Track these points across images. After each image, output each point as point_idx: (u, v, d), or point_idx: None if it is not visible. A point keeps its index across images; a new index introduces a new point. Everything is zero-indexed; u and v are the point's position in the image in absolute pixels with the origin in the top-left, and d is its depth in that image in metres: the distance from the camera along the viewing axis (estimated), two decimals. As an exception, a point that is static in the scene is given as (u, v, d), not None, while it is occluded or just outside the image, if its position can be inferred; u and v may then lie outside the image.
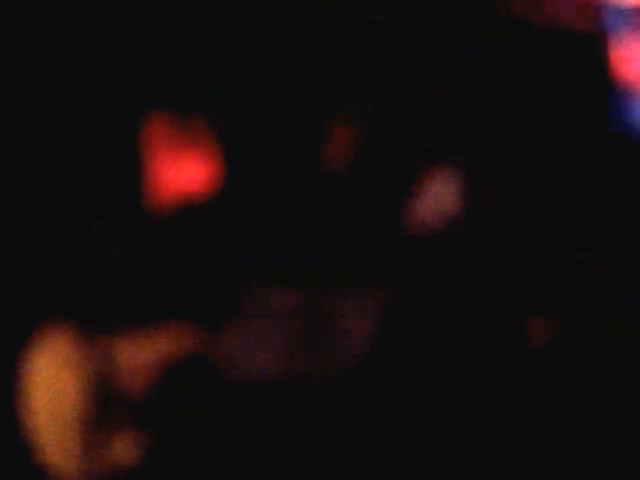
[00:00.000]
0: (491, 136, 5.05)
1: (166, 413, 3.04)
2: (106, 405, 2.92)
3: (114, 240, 4.00)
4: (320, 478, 2.83)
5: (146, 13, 4.31)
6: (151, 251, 3.35)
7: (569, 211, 4.99)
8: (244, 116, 4.66)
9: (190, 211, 3.33)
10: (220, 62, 4.59)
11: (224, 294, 2.61)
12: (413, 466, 3.49)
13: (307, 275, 2.74)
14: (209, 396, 2.74)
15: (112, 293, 3.12)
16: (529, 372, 4.05)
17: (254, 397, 3.03)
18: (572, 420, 3.85)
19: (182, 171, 4.66)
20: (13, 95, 4.04)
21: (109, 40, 4.31)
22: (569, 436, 3.79)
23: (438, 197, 3.67)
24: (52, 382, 3.02)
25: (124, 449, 2.98)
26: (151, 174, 4.54)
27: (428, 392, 3.74)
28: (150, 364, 3.07)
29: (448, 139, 3.91)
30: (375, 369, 3.02)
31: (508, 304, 4.59)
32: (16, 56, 4.01)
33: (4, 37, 3.81)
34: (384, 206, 3.82)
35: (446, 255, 4.12)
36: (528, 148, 5.09)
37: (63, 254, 3.83)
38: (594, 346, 3.96)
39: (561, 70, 5.13)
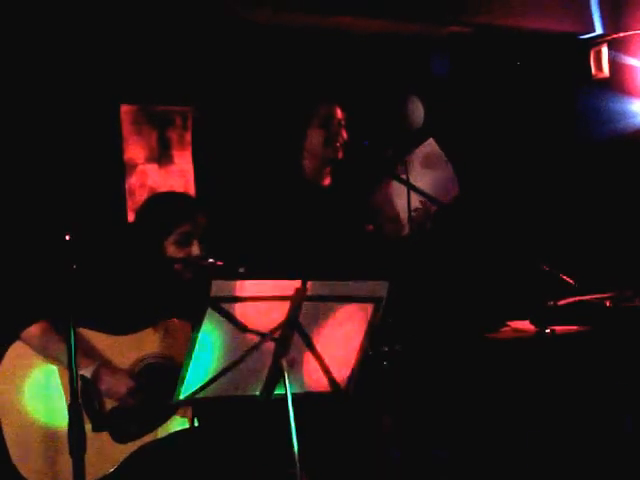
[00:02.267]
0: (469, 142, 5.08)
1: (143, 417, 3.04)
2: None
3: (93, 242, 3.98)
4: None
5: (130, 17, 4.30)
6: (133, 253, 3.32)
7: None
8: (228, 119, 4.67)
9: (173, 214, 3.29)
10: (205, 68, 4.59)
11: (205, 299, 2.59)
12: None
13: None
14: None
15: (89, 297, 3.09)
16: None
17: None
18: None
19: (164, 174, 4.67)
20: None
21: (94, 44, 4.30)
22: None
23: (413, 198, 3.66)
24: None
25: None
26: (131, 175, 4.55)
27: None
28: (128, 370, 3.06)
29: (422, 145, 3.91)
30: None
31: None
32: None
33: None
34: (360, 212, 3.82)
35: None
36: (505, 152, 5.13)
37: (41, 259, 3.81)
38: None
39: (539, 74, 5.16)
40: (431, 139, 3.79)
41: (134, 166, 4.56)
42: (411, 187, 3.53)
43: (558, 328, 3.93)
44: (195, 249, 3.13)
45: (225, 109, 4.68)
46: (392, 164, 3.66)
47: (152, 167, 4.60)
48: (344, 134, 3.66)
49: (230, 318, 2.64)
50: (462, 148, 4.91)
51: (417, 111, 4.98)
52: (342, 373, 2.87)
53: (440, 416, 3.93)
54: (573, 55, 5.14)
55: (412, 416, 3.62)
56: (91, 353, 3.00)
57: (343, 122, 3.66)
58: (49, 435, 2.94)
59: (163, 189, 4.56)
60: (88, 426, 2.91)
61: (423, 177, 3.63)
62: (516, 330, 4.10)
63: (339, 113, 3.65)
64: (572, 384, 3.99)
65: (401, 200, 3.66)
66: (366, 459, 3.48)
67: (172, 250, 3.13)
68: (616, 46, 5.05)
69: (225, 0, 4.28)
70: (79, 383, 2.58)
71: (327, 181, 3.72)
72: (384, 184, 3.78)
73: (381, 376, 3.45)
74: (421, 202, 3.63)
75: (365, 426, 3.47)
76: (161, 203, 3.27)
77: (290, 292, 2.68)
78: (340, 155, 3.66)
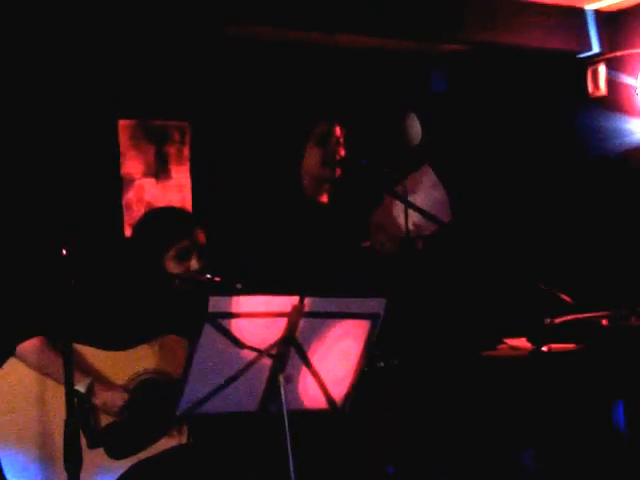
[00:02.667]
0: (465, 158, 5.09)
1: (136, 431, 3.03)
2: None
3: (90, 257, 3.98)
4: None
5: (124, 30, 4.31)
6: (130, 267, 3.32)
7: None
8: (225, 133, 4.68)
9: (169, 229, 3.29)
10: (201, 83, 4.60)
11: (203, 315, 2.59)
12: None
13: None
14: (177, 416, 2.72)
15: (86, 313, 3.09)
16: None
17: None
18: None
19: (161, 188, 4.67)
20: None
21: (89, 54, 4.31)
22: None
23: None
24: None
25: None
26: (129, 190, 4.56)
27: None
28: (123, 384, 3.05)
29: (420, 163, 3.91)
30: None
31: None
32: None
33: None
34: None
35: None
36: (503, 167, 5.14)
37: (38, 274, 3.81)
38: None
39: (535, 91, 5.18)
40: (426, 165, 3.78)
41: (131, 180, 4.56)
42: (410, 205, 3.53)
43: (554, 346, 3.93)
44: (194, 264, 3.13)
45: (223, 124, 4.69)
46: (391, 181, 3.66)
47: (149, 182, 4.61)
48: (342, 152, 3.65)
49: (227, 334, 2.63)
50: (460, 164, 4.94)
51: (415, 128, 4.99)
52: (339, 390, 2.87)
53: (437, 433, 3.92)
54: (571, 73, 5.16)
55: (409, 432, 3.61)
56: (86, 368, 3.00)
57: (341, 140, 3.65)
58: (45, 452, 2.93)
59: (160, 204, 4.56)
60: (83, 442, 2.91)
61: (416, 202, 3.62)
62: (513, 347, 4.10)
63: (337, 131, 3.64)
64: (568, 402, 3.99)
65: (402, 220, 3.66)
66: (362, 476, 3.47)
67: (171, 265, 3.13)
68: (613, 65, 5.07)
69: (226, 16, 4.28)
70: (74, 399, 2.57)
71: (325, 198, 3.72)
72: (386, 202, 3.78)
73: (377, 392, 3.45)
74: (414, 224, 3.63)
75: (361, 443, 3.46)
76: (159, 218, 3.26)
77: (287, 308, 2.68)
78: (338, 173, 3.64)
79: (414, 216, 3.61)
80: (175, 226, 3.18)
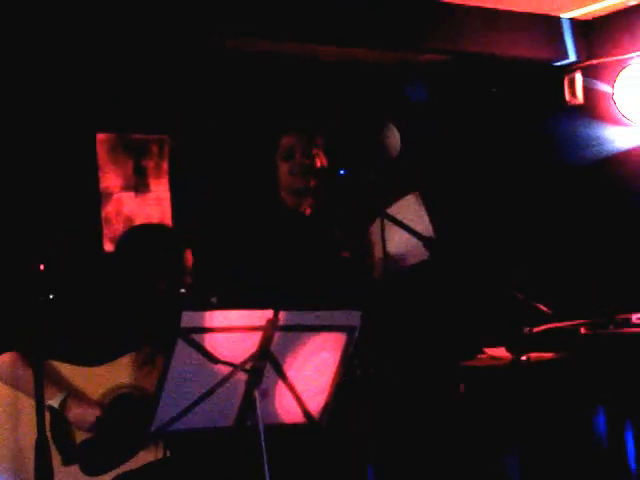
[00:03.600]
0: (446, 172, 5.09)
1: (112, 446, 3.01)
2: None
3: (70, 271, 3.96)
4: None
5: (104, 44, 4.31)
6: (107, 282, 3.31)
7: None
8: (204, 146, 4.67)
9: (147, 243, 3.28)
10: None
11: (175, 330, 2.58)
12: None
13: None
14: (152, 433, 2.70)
15: (62, 328, 3.08)
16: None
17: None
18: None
19: (140, 203, 4.66)
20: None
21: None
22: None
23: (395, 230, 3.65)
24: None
25: None
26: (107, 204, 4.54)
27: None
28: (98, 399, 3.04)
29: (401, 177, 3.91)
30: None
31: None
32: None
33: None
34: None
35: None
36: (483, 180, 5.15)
37: (14, 289, 3.79)
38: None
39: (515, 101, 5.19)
40: (415, 194, 3.75)
41: (110, 194, 4.55)
42: (402, 226, 3.51)
43: (534, 355, 3.94)
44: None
45: (202, 137, 4.69)
46: (377, 196, 3.65)
47: (128, 195, 4.60)
48: (317, 162, 3.63)
49: (201, 349, 2.62)
50: (439, 175, 4.95)
51: (393, 139, 4.99)
52: (316, 404, 2.86)
53: (416, 442, 3.91)
54: (548, 82, 5.18)
55: (387, 443, 3.61)
56: (61, 384, 2.98)
57: (314, 150, 3.63)
58: (18, 468, 2.91)
59: (140, 217, 4.56)
60: (58, 459, 2.90)
61: (397, 232, 3.60)
62: (492, 357, 4.10)
63: (303, 142, 3.62)
64: (549, 410, 3.99)
65: (388, 243, 3.63)
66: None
67: (161, 286, 3.14)
68: (590, 73, 5.09)
69: (203, 29, 4.28)
70: (47, 415, 2.56)
71: (308, 210, 3.70)
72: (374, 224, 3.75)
73: (355, 404, 3.44)
74: (397, 255, 3.61)
75: (338, 456, 3.45)
76: (147, 242, 3.24)
77: (262, 322, 2.67)
78: (312, 184, 3.62)
79: (399, 246, 3.60)
80: (165, 248, 3.18)
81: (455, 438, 4.09)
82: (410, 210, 3.68)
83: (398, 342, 3.96)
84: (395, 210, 3.65)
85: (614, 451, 3.95)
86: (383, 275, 3.66)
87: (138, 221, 4.53)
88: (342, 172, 3.68)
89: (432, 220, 3.69)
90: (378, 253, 3.67)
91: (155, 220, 4.57)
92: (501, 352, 4.06)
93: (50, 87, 4.32)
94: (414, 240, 3.56)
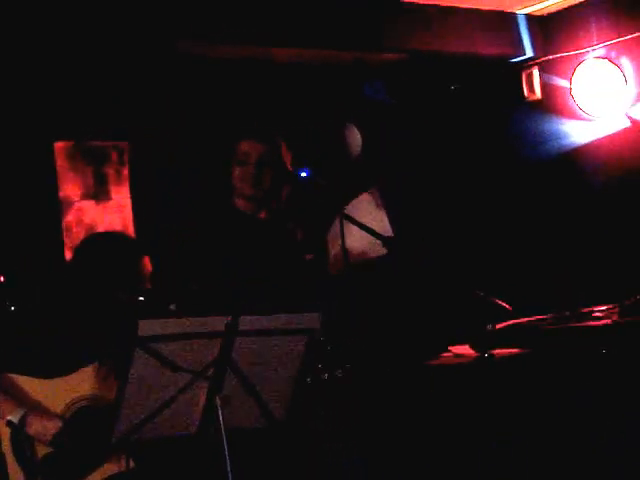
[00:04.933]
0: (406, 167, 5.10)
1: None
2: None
3: (30, 282, 3.93)
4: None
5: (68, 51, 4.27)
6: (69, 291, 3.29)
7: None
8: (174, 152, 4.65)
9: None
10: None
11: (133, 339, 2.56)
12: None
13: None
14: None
15: (20, 340, 3.05)
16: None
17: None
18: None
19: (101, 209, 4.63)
20: None
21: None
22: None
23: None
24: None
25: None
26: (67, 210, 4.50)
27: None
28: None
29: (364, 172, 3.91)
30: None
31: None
32: None
33: None
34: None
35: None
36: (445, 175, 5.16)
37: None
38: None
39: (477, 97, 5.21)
40: (374, 189, 3.77)
41: (70, 203, 4.51)
42: (361, 227, 3.53)
43: (498, 351, 3.95)
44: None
45: (161, 143, 4.66)
46: (335, 197, 3.65)
47: (89, 203, 4.56)
48: (272, 169, 3.61)
49: (159, 357, 2.60)
50: (398, 172, 4.95)
51: (354, 139, 5.00)
52: (278, 407, 2.85)
53: (381, 443, 3.91)
54: (505, 78, 5.20)
55: (353, 444, 3.61)
56: (21, 398, 2.95)
57: (268, 158, 3.60)
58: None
59: (101, 225, 4.52)
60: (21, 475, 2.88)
61: (355, 230, 3.61)
62: (457, 355, 4.11)
63: (259, 150, 3.60)
64: (514, 407, 4.00)
65: (348, 239, 3.64)
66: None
67: (117, 294, 3.12)
68: (547, 68, 5.12)
69: (161, 34, 4.26)
70: (6, 430, 2.53)
71: (263, 214, 3.68)
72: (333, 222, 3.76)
73: (321, 404, 3.44)
74: (358, 250, 3.63)
75: (303, 458, 3.44)
76: (104, 248, 3.22)
77: (221, 328, 2.65)
78: (261, 194, 3.60)
79: (358, 242, 3.61)
80: (121, 256, 3.16)
81: (423, 438, 4.10)
82: (366, 208, 3.69)
83: (363, 344, 3.96)
84: (351, 209, 3.65)
85: (578, 444, 3.96)
86: (340, 271, 3.67)
87: (100, 229, 4.49)
88: (303, 174, 3.67)
89: (391, 218, 3.70)
90: (335, 250, 3.67)
91: (117, 227, 4.53)
92: (465, 350, 4.07)
93: (6, 95, 4.27)
94: (371, 237, 3.57)
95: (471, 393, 4.01)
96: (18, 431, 2.87)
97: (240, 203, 3.63)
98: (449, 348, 4.15)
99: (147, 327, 2.56)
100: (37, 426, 2.91)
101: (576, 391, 3.96)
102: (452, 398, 4.05)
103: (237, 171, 3.59)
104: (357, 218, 3.58)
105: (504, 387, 3.98)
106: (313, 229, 3.85)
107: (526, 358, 4.01)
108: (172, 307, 2.95)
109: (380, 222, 3.66)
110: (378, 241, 3.57)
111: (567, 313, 4.09)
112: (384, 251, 3.63)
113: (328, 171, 4.09)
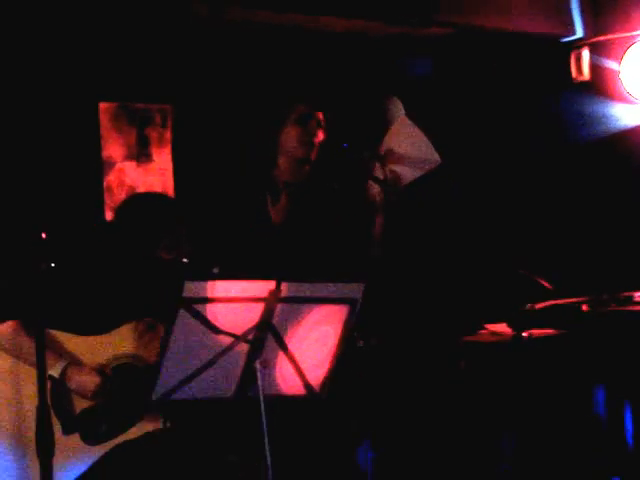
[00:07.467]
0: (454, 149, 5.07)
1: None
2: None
3: (69, 241, 3.95)
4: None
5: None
6: (107, 252, 3.30)
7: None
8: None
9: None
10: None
11: (177, 300, 2.57)
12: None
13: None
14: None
15: (63, 297, 3.06)
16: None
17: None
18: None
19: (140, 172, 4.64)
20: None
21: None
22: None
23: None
24: None
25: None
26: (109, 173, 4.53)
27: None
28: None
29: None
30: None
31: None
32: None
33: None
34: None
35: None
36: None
37: (15, 257, 3.78)
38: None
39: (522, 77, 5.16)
40: (402, 116, 3.76)
41: (112, 164, 4.52)
42: (387, 187, 3.52)
43: (535, 331, 3.93)
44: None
45: (205, 107, 4.66)
46: (369, 165, 3.64)
47: (130, 165, 4.57)
48: (321, 135, 3.63)
49: (202, 319, 2.61)
50: (443, 149, 4.91)
51: (397, 112, 4.96)
52: (316, 376, 2.85)
53: (415, 419, 3.91)
54: (554, 58, 5.14)
55: (386, 419, 3.61)
56: (62, 352, 2.98)
57: (322, 124, 3.64)
58: (19, 437, 2.91)
59: (142, 187, 4.54)
60: (59, 427, 2.90)
61: (402, 152, 3.61)
62: (493, 333, 4.09)
63: (319, 114, 3.62)
64: (549, 387, 3.99)
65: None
66: (337, 463, 3.47)
67: (162, 254, 3.14)
68: (597, 49, 5.06)
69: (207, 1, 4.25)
70: (48, 383, 2.55)
71: (303, 181, 3.68)
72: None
73: (355, 377, 3.44)
74: (393, 173, 3.62)
75: (337, 429, 3.46)
76: (147, 209, 3.24)
77: (264, 293, 2.66)
78: (313, 156, 3.62)
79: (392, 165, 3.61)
80: (163, 217, 3.17)
81: (454, 414, 4.09)
82: (406, 128, 3.70)
83: (400, 315, 3.96)
84: (392, 134, 3.66)
85: (613, 430, 3.95)
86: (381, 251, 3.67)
87: (140, 190, 4.51)
88: (345, 145, 3.67)
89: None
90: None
91: (158, 190, 4.55)
92: (502, 328, 4.05)
93: (52, 57, 4.28)
94: (421, 148, 3.56)
95: (505, 372, 4.00)
96: (58, 385, 2.90)
97: (285, 164, 3.62)
98: (485, 325, 4.13)
99: (192, 288, 2.58)
100: (78, 380, 2.94)
101: (612, 375, 3.94)
102: (486, 376, 4.04)
103: (294, 131, 3.59)
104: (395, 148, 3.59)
105: (538, 368, 3.97)
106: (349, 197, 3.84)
107: (563, 340, 3.98)
108: (215, 270, 2.96)
109: (419, 146, 3.66)
110: (428, 150, 3.58)
111: (605, 296, 4.06)
112: (433, 163, 3.61)
113: (371, 143, 4.08)
